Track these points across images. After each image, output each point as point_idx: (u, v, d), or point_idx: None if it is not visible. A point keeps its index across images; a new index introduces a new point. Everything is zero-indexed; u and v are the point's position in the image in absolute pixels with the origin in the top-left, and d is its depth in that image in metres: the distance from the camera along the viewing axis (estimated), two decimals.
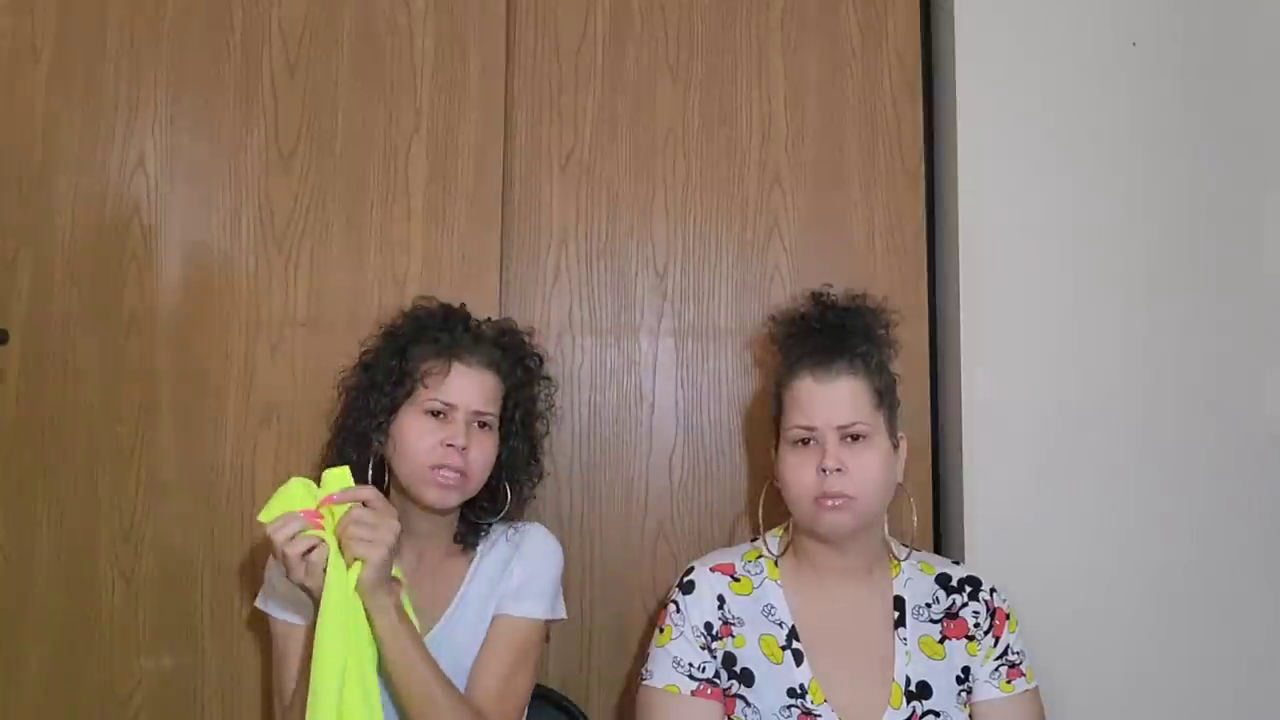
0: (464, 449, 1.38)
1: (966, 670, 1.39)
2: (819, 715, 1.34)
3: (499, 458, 1.46)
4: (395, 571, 1.28)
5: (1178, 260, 1.67)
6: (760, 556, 1.44)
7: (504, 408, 1.47)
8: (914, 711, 1.35)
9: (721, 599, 1.40)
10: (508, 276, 1.74)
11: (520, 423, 1.49)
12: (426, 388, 1.41)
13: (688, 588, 1.41)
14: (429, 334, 1.45)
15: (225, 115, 1.74)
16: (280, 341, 1.70)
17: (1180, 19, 1.70)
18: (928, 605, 1.41)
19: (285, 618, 1.42)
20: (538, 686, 1.49)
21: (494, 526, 1.49)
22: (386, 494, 1.38)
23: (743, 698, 1.37)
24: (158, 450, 1.67)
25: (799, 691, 1.35)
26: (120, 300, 1.70)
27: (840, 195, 1.74)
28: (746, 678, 1.37)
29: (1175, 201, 1.68)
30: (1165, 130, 1.69)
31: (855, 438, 1.35)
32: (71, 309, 1.70)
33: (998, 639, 1.40)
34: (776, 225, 1.75)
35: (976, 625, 1.40)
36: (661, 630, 1.41)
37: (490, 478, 1.45)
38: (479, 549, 1.48)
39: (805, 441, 1.36)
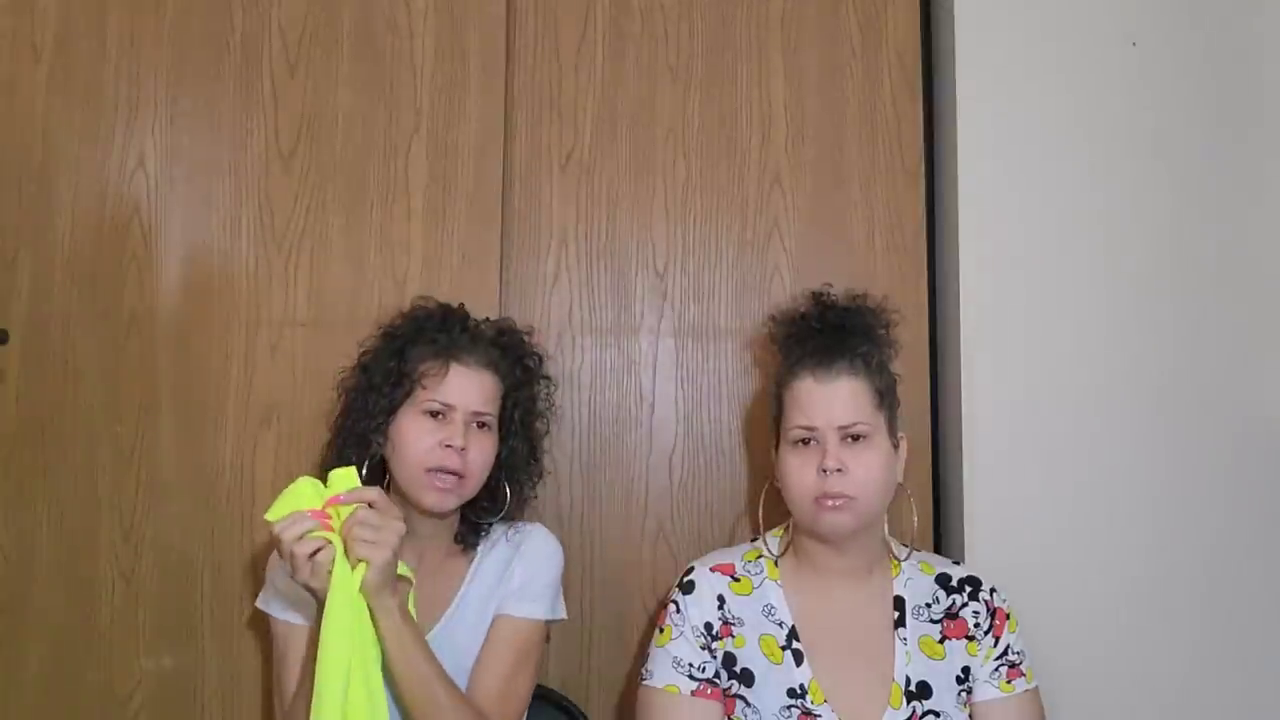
0: (463, 449, 1.38)
1: (966, 670, 1.39)
2: (819, 715, 1.34)
3: (498, 457, 1.46)
4: (406, 570, 1.29)
5: (1178, 260, 1.67)
6: (760, 556, 1.44)
7: (503, 407, 1.47)
8: (914, 711, 1.35)
9: (721, 599, 1.40)
10: (508, 276, 1.74)
11: (520, 422, 1.49)
12: (425, 388, 1.41)
13: (688, 588, 1.41)
14: (427, 334, 1.45)
15: (225, 115, 1.74)
16: (280, 341, 1.70)
17: (1180, 19, 1.70)
18: (928, 605, 1.41)
19: (286, 618, 1.42)
20: (538, 686, 1.49)
21: (494, 526, 1.49)
22: (387, 494, 1.37)
23: (743, 698, 1.37)
24: (158, 450, 1.67)
25: (799, 691, 1.35)
26: (120, 300, 1.70)
27: (840, 195, 1.74)
28: (746, 678, 1.37)
29: (1175, 201, 1.68)
30: (1165, 129, 1.69)
31: (856, 438, 1.35)
32: (71, 309, 1.70)
33: (998, 639, 1.40)
34: (776, 225, 1.75)
35: (976, 625, 1.40)
36: (661, 630, 1.41)
37: (490, 478, 1.45)
38: (479, 549, 1.48)
39: (806, 442, 1.36)
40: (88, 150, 1.73)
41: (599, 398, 1.72)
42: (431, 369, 1.41)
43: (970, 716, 1.39)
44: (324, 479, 1.28)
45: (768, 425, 1.48)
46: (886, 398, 1.39)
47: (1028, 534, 1.63)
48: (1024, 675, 1.40)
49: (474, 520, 1.48)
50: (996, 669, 1.39)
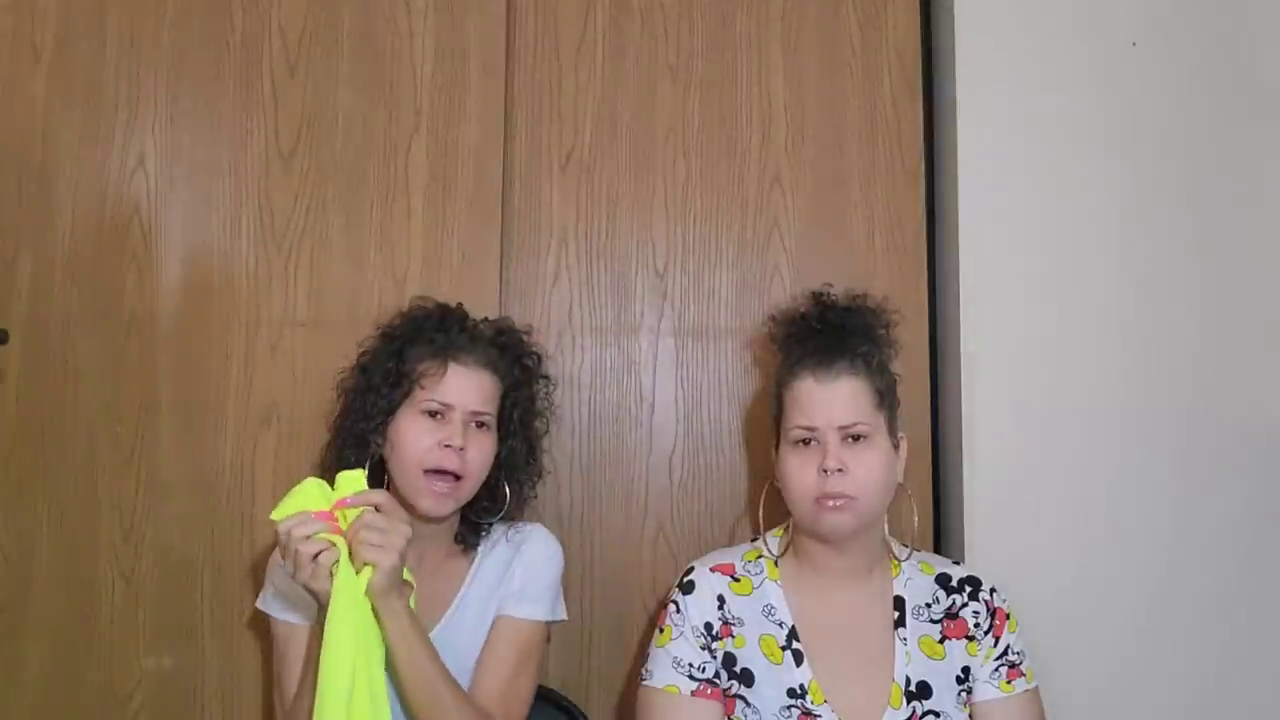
0: (461, 449, 1.38)
1: (966, 670, 1.39)
2: (819, 715, 1.34)
3: (498, 457, 1.46)
4: (407, 575, 1.28)
5: (1178, 260, 1.67)
6: (760, 557, 1.44)
7: (502, 407, 1.47)
8: (914, 711, 1.35)
9: (721, 599, 1.40)
10: (508, 276, 1.74)
11: (519, 422, 1.49)
12: (423, 388, 1.41)
13: (688, 588, 1.41)
14: (425, 334, 1.45)
15: (225, 115, 1.74)
16: (280, 341, 1.70)
17: (1180, 19, 1.70)
18: (928, 605, 1.41)
19: (286, 618, 1.42)
20: (538, 687, 1.49)
21: (494, 526, 1.49)
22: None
23: (743, 698, 1.37)
24: (158, 450, 1.67)
25: (799, 692, 1.35)
26: (120, 300, 1.70)
27: (840, 195, 1.74)
28: (746, 678, 1.37)
29: (1175, 201, 1.68)
30: (1165, 130, 1.69)
31: (856, 438, 1.35)
32: (71, 309, 1.70)
33: (998, 639, 1.40)
34: (776, 225, 1.75)
35: (976, 625, 1.40)
36: (661, 630, 1.41)
37: (489, 477, 1.45)
38: (479, 550, 1.48)
39: (806, 442, 1.36)
40: (88, 150, 1.73)
41: (599, 398, 1.72)
42: (430, 369, 1.41)
43: (970, 716, 1.39)
44: (324, 479, 1.28)
45: (768, 425, 1.48)
46: (886, 398, 1.39)
47: (1028, 534, 1.63)
48: (1024, 675, 1.40)
49: (474, 520, 1.48)
50: (996, 669, 1.39)
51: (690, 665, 1.37)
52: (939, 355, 1.74)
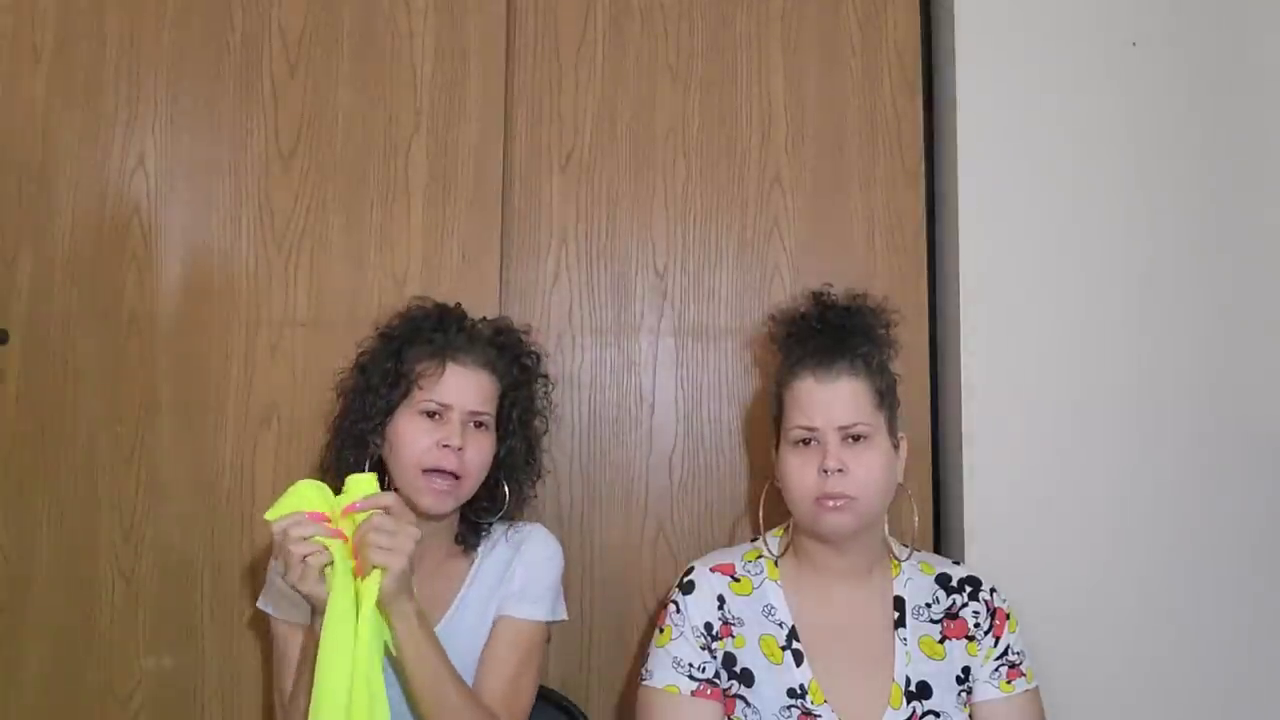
0: (459, 450, 1.38)
1: (966, 670, 1.39)
2: (819, 715, 1.34)
3: (497, 457, 1.45)
4: None
5: (1178, 260, 1.67)
6: (760, 557, 1.44)
7: (501, 406, 1.47)
8: (914, 711, 1.35)
9: (721, 599, 1.40)
10: (508, 276, 1.74)
11: (518, 421, 1.49)
12: (421, 389, 1.40)
13: (688, 588, 1.41)
14: (423, 335, 1.45)
15: (225, 115, 1.74)
16: (280, 341, 1.70)
17: (1180, 19, 1.70)
18: (928, 605, 1.41)
19: (286, 618, 1.42)
20: (538, 687, 1.49)
21: (494, 526, 1.49)
22: None
23: (743, 698, 1.37)
24: (158, 450, 1.67)
25: (799, 692, 1.35)
26: (120, 300, 1.70)
27: (840, 195, 1.74)
28: (746, 678, 1.37)
29: (1175, 201, 1.68)
30: (1165, 130, 1.69)
31: (856, 438, 1.35)
32: (71, 309, 1.70)
33: (998, 639, 1.40)
34: (776, 225, 1.75)
35: (976, 625, 1.40)
36: (661, 630, 1.41)
37: (489, 477, 1.44)
38: (479, 550, 1.48)
39: (806, 442, 1.36)
40: (88, 150, 1.73)
41: (599, 398, 1.72)
42: (428, 369, 1.41)
43: (970, 717, 1.39)
44: (323, 479, 1.27)
45: (768, 425, 1.48)
46: (887, 398, 1.39)
47: (1028, 534, 1.63)
48: (1024, 675, 1.40)
49: (474, 520, 1.48)
50: (996, 669, 1.39)
51: (690, 665, 1.37)
52: (939, 355, 1.74)
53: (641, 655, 1.50)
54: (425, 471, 1.37)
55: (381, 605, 1.23)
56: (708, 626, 1.38)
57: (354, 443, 1.43)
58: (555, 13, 1.77)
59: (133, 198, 1.72)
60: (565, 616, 1.49)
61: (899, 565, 1.44)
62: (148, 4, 1.75)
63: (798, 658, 1.37)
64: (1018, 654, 1.41)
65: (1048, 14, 1.71)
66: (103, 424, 1.68)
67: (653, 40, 1.77)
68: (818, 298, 1.46)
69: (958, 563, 1.48)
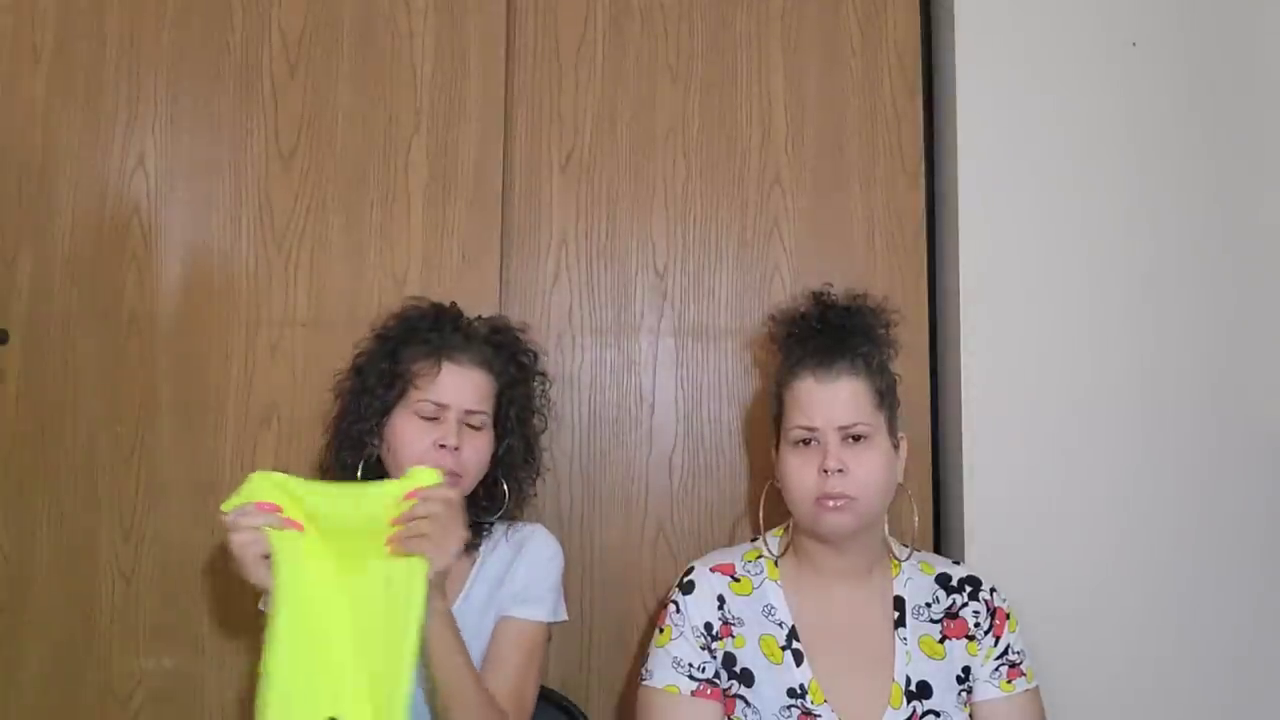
0: (456, 449, 1.38)
1: (967, 670, 1.39)
2: (819, 715, 1.34)
3: (496, 455, 1.45)
4: None
5: (1178, 260, 1.67)
6: (760, 557, 1.44)
7: (498, 405, 1.47)
8: (914, 711, 1.35)
9: (721, 599, 1.40)
10: (508, 276, 1.74)
11: (515, 420, 1.49)
12: (417, 389, 1.40)
13: (688, 588, 1.41)
14: (419, 334, 1.44)
15: (225, 115, 1.74)
16: (280, 341, 1.70)
17: (1180, 19, 1.71)
18: (928, 605, 1.41)
19: None
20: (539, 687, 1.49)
21: (494, 526, 1.49)
22: None
23: (743, 698, 1.36)
24: (158, 450, 1.67)
25: (799, 691, 1.35)
26: (120, 300, 1.70)
27: (840, 195, 1.74)
28: (746, 678, 1.37)
29: (1175, 201, 1.68)
30: (1165, 130, 1.69)
31: (856, 438, 1.35)
32: (71, 309, 1.70)
33: (998, 639, 1.40)
34: (776, 225, 1.75)
35: (977, 625, 1.40)
36: (661, 630, 1.41)
37: (488, 476, 1.45)
38: (480, 550, 1.48)
39: (806, 442, 1.36)
40: (88, 150, 1.73)
41: (599, 398, 1.72)
42: (424, 369, 1.41)
43: (970, 716, 1.39)
44: (323, 479, 1.27)
45: (768, 425, 1.48)
46: (887, 398, 1.39)
47: (1028, 534, 1.63)
48: (1024, 675, 1.40)
49: (474, 520, 1.48)
50: (997, 669, 1.39)
51: (690, 665, 1.37)
52: (939, 355, 1.74)
53: (641, 655, 1.50)
54: None
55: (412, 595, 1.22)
56: (708, 626, 1.38)
57: (351, 444, 1.43)
58: (555, 13, 1.78)
59: (133, 198, 1.72)
60: (565, 617, 1.49)
61: (899, 565, 1.44)
62: (148, 4, 1.75)
63: (798, 658, 1.37)
64: (1018, 654, 1.40)
65: (1048, 14, 1.71)
66: (103, 424, 1.68)
67: (653, 40, 1.77)
68: (818, 298, 1.46)
69: (958, 562, 1.48)
